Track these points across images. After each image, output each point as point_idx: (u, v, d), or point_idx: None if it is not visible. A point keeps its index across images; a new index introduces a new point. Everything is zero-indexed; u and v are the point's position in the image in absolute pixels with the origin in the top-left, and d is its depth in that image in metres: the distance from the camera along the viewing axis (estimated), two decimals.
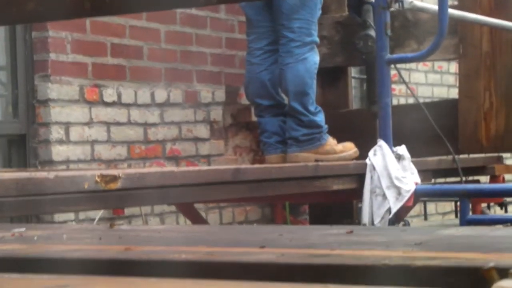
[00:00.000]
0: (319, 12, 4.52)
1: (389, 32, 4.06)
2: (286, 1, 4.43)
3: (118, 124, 4.74)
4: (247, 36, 4.73)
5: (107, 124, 4.68)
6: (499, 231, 1.74)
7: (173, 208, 4.88)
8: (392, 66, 4.18)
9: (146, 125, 4.88)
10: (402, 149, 3.99)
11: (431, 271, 1.06)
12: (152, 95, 4.93)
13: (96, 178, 2.86)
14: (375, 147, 3.98)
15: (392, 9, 4.12)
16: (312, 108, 4.47)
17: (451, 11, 4.10)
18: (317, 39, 4.51)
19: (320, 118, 4.50)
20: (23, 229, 1.97)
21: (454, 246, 1.39)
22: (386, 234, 1.74)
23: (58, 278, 1.19)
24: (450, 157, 4.47)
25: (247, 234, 1.86)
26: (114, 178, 2.91)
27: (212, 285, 1.10)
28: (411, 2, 4.09)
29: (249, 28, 4.69)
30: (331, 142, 4.50)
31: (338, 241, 1.56)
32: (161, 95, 4.98)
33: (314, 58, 4.47)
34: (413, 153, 4.09)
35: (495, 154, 4.95)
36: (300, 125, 4.46)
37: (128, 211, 4.73)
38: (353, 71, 5.94)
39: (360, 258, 1.22)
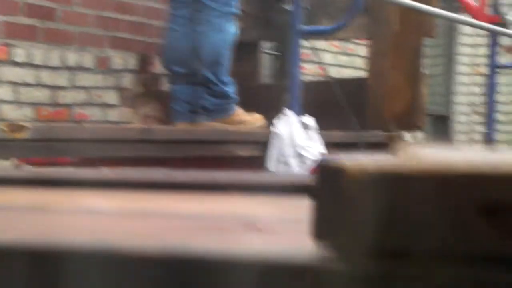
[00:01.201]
0: None
1: (304, 3, 4.12)
2: None
3: (27, 85, 4.69)
4: (170, 3, 4.72)
5: (15, 85, 4.62)
6: None
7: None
8: (307, 44, 4.24)
9: (55, 87, 4.84)
10: (308, 119, 4.06)
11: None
12: (63, 58, 4.89)
13: (2, 126, 2.84)
14: (281, 115, 4.04)
15: None
16: (224, 78, 4.50)
17: None
18: (237, 10, 4.54)
19: (232, 90, 4.53)
20: None
21: None
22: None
23: None
24: (355, 132, 4.57)
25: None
26: (21, 128, 2.90)
27: (122, 193, 1.13)
28: None
29: None
30: (239, 112, 4.54)
31: None
32: (72, 58, 4.94)
33: (232, 29, 4.51)
34: (323, 128, 4.17)
35: (397, 132, 5.08)
36: (211, 95, 4.49)
37: None
38: (266, 46, 5.99)
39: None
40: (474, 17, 5.99)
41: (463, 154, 0.67)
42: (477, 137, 9.16)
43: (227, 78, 4.53)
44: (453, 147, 0.69)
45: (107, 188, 1.22)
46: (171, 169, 5.45)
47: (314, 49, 4.74)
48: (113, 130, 3.27)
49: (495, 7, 5.97)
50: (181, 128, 3.82)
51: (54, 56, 4.83)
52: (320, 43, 6.58)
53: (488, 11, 6.22)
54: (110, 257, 0.61)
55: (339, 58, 7.07)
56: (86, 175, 1.47)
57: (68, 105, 4.92)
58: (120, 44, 5.23)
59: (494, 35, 6.30)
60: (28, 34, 4.71)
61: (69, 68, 4.91)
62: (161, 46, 4.81)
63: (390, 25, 4.90)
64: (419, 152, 0.63)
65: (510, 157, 0.63)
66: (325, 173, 0.61)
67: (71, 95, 4.93)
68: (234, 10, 4.52)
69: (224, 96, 4.50)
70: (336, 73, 6.96)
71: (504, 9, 6.27)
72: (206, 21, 4.47)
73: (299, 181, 1.23)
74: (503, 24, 5.88)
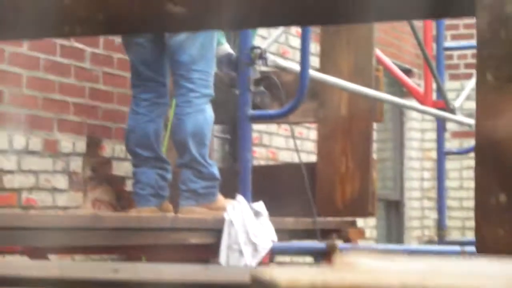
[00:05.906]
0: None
1: (252, 88, 4.15)
2: (186, 52, 4.45)
3: None
4: (133, 87, 4.69)
5: None
6: None
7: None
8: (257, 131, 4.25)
9: (1, 171, 4.76)
10: (259, 206, 4.04)
11: None
12: (10, 141, 4.83)
13: None
14: (234, 202, 4.01)
15: (256, 66, 4.23)
16: (209, 160, 4.45)
17: (312, 72, 4.24)
18: (213, 92, 4.54)
19: (216, 171, 4.46)
20: None
21: None
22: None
23: None
24: (307, 218, 4.55)
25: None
26: None
27: None
28: (274, 60, 4.20)
29: (136, 79, 4.66)
30: (220, 197, 4.45)
31: None
32: (19, 141, 4.87)
33: (210, 110, 4.51)
34: (273, 212, 4.14)
35: (350, 218, 5.07)
36: (200, 177, 4.39)
37: None
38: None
39: None
40: (420, 102, 6.08)
41: (398, 266, 0.66)
42: (429, 222, 9.21)
43: (210, 159, 4.49)
44: (391, 257, 0.69)
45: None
46: (121, 257, 5.38)
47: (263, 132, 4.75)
48: (62, 218, 3.21)
49: (441, 92, 6.06)
50: (130, 215, 3.77)
51: (0, 139, 4.76)
52: (271, 127, 6.61)
53: (433, 96, 6.31)
54: None
55: (290, 141, 7.09)
56: (31, 272, 1.42)
57: (15, 190, 4.83)
58: (68, 127, 5.17)
59: (440, 120, 6.39)
60: None
61: (16, 151, 4.84)
62: (125, 129, 4.77)
63: (338, 109, 4.94)
64: (355, 264, 0.63)
65: (442, 270, 0.63)
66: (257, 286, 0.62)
67: (19, 179, 4.85)
68: (211, 92, 4.52)
69: (212, 178, 4.43)
70: (287, 157, 6.98)
71: (449, 95, 6.38)
72: (186, 102, 4.46)
73: (236, 282, 1.21)
74: (450, 110, 5.97)
